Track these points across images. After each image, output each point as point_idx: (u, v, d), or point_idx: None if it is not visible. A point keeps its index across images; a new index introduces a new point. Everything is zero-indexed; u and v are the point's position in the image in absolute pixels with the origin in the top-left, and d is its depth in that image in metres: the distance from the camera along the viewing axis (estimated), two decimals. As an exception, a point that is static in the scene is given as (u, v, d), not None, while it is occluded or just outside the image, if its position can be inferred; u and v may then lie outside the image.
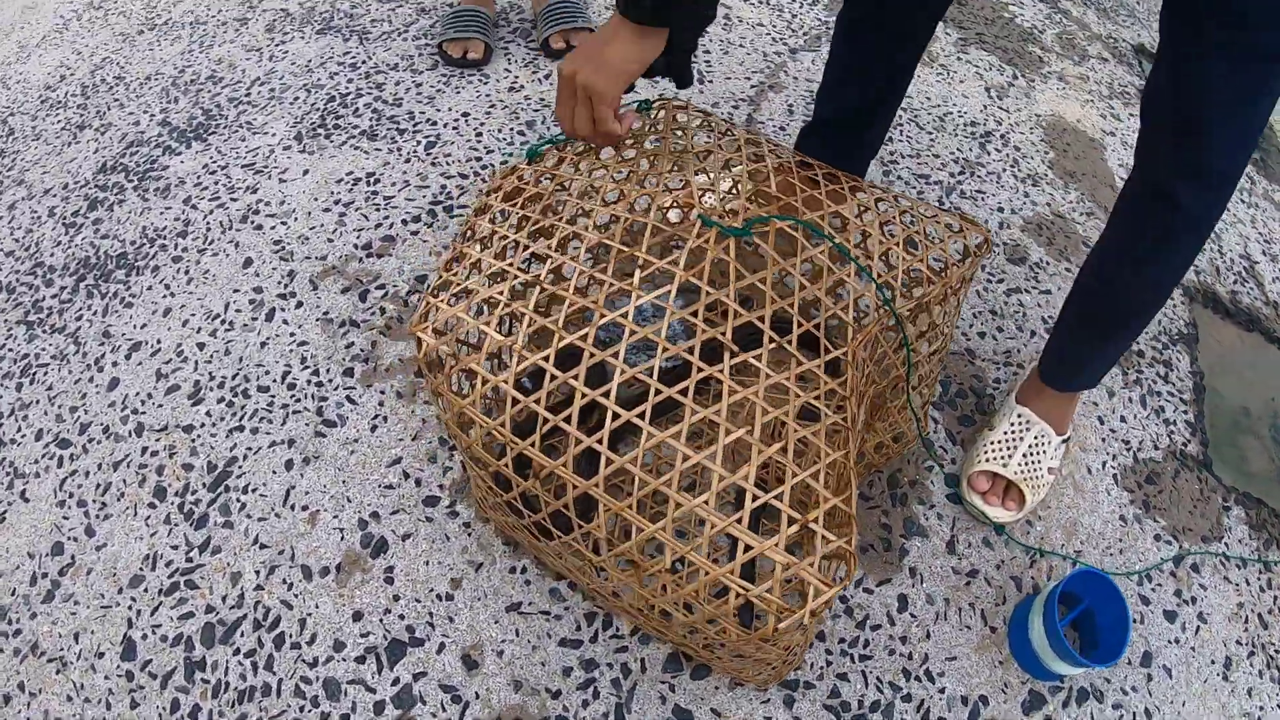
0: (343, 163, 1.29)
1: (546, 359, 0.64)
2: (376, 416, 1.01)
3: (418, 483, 0.96)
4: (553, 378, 0.63)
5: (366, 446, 0.99)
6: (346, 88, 1.42)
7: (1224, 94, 0.70)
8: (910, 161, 1.37)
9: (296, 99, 1.41)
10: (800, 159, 0.86)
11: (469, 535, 0.92)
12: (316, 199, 1.24)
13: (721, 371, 0.64)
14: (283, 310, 1.11)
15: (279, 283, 1.14)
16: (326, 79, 1.44)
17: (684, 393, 0.77)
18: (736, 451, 1.00)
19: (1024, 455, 1.00)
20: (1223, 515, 1.08)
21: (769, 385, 0.66)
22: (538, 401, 0.63)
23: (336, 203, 1.24)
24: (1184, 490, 1.09)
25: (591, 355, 0.64)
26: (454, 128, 1.35)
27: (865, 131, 1.10)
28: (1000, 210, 1.32)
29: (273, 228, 1.21)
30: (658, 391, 0.63)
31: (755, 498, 0.61)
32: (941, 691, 0.89)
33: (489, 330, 0.66)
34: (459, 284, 0.73)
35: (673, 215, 1.10)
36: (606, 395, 0.62)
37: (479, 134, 1.34)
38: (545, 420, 0.63)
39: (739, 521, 0.60)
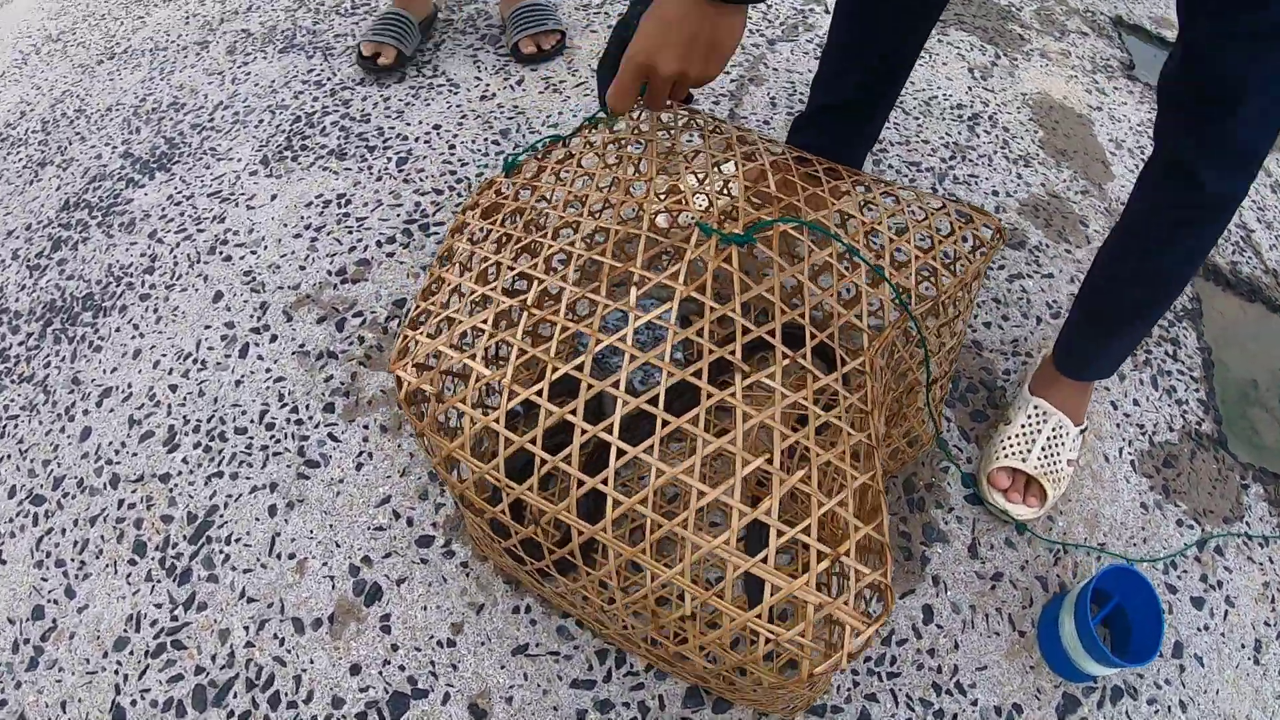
0: (311, 185, 1.21)
1: (540, 393, 0.57)
2: (361, 454, 0.94)
3: (409, 522, 0.89)
4: (549, 414, 0.56)
5: (353, 486, 0.91)
6: (312, 106, 1.34)
7: (1247, 76, 0.66)
8: (900, 149, 1.30)
9: (261, 121, 1.33)
10: (797, 154, 0.79)
11: (467, 576, 0.85)
12: (286, 225, 1.16)
13: (733, 395, 0.57)
14: (256, 345, 1.03)
15: (251, 316, 1.06)
16: (291, 99, 1.36)
17: (694, 420, 0.70)
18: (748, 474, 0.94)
19: (1043, 448, 0.94)
20: (1241, 494, 1.02)
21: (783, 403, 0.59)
22: (533, 441, 0.56)
23: (307, 227, 1.16)
24: (1202, 471, 1.03)
25: (590, 386, 0.57)
26: (425, 141, 1.27)
27: (864, 121, 1.03)
28: (995, 194, 1.26)
29: (242, 258, 1.13)
30: (665, 422, 0.56)
31: (780, 532, 0.54)
32: (974, 704, 0.83)
33: (474, 364, 0.59)
34: (439, 313, 0.65)
35: (660, 220, 1.03)
36: (609, 429, 0.55)
37: (452, 147, 1.26)
38: (542, 462, 0.56)
39: (764, 559, 0.53)
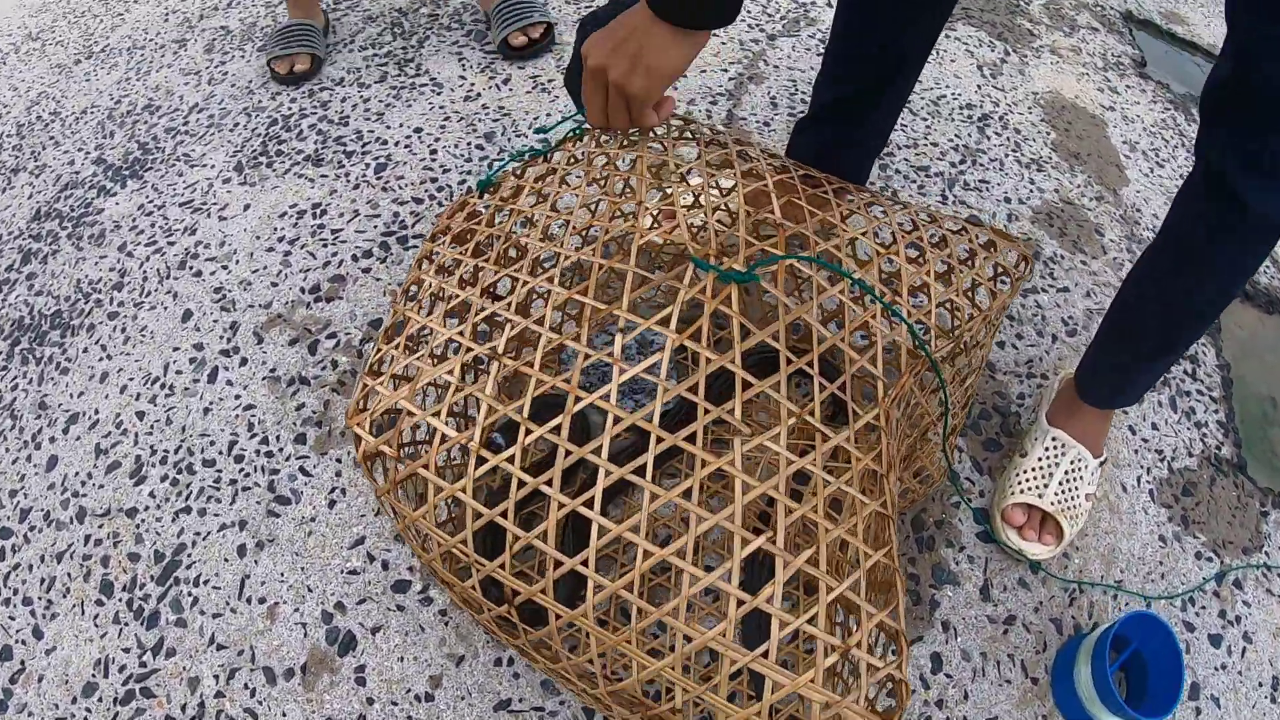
0: (286, 194, 1.13)
1: (511, 460, 0.49)
2: (334, 489, 0.86)
3: (384, 566, 0.82)
4: (520, 483, 0.49)
5: (325, 526, 0.84)
6: (289, 108, 1.25)
7: None
8: (908, 152, 1.22)
9: (236, 125, 1.24)
10: (804, 171, 0.71)
11: (446, 625, 0.78)
12: (259, 237, 1.08)
13: (730, 460, 0.49)
14: (226, 369, 0.96)
15: (221, 337, 0.98)
16: (268, 100, 1.27)
17: (686, 492, 0.61)
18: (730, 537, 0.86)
19: (1060, 483, 0.87)
20: (1261, 522, 0.95)
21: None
22: (504, 513, 0.49)
23: (280, 240, 1.08)
24: (1221, 499, 0.96)
25: (568, 454, 0.49)
26: (406, 146, 1.18)
27: (870, 121, 0.94)
28: (1007, 200, 1.17)
29: (213, 273, 1.05)
30: (654, 490, 0.48)
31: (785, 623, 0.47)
32: (985, 757, 0.76)
33: (439, 424, 0.51)
34: (402, 358, 0.58)
35: (654, 236, 0.94)
36: (589, 503, 0.47)
37: (433, 151, 1.17)
38: (515, 538, 0.48)
39: (766, 654, 0.46)
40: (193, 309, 1.01)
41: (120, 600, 0.81)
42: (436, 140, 1.19)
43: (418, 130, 1.20)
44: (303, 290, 1.02)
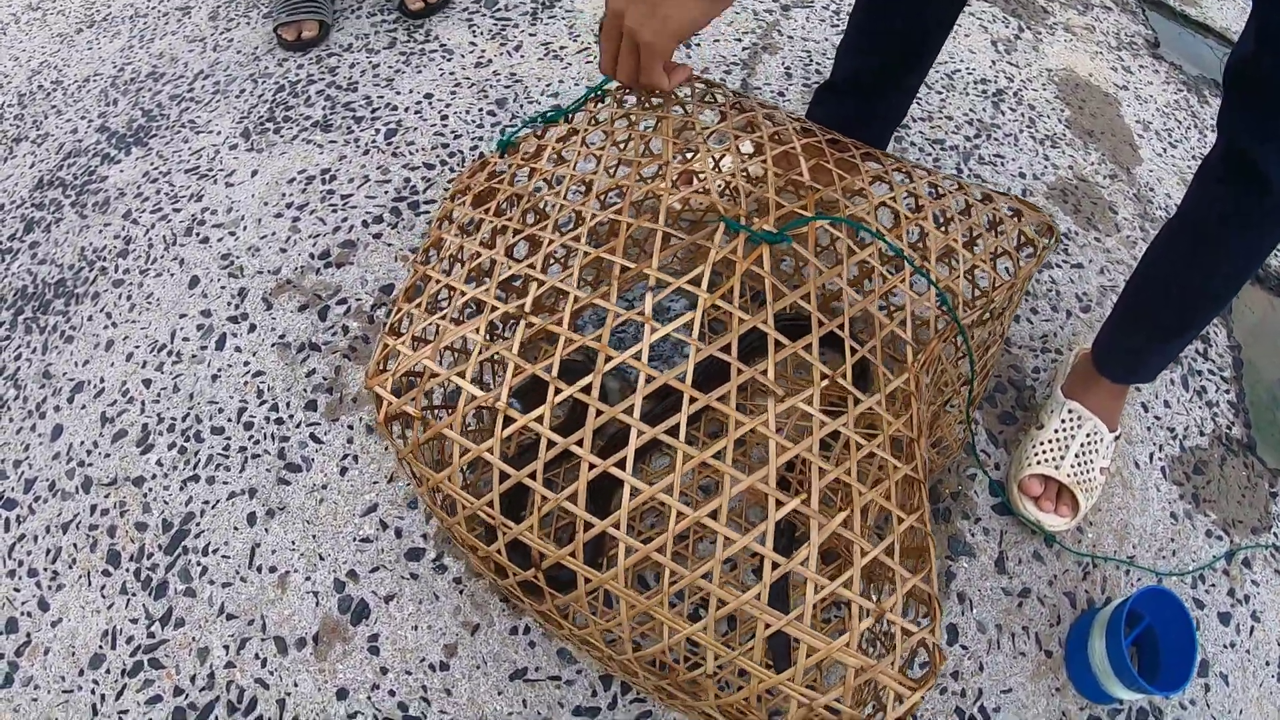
0: (294, 159, 1.10)
1: (540, 420, 0.47)
2: (345, 456, 0.85)
3: (398, 533, 0.80)
4: (550, 444, 0.47)
5: (337, 493, 0.82)
6: (296, 74, 1.22)
7: None
8: (923, 125, 1.19)
9: (243, 91, 1.21)
10: (831, 136, 0.68)
11: (460, 593, 0.77)
12: (267, 203, 1.05)
13: (762, 422, 0.48)
14: (234, 336, 0.93)
15: (229, 303, 0.96)
16: (274, 66, 1.24)
17: (719, 453, 0.59)
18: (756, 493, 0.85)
19: (1076, 455, 0.85)
20: (1270, 502, 0.95)
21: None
22: (533, 475, 0.47)
23: (289, 206, 1.05)
24: (1231, 478, 0.95)
25: (599, 413, 0.47)
26: (416, 112, 1.15)
27: (890, 92, 0.92)
28: (1021, 175, 1.15)
29: (220, 239, 1.02)
30: (686, 454, 0.46)
31: (819, 586, 0.45)
32: (998, 728, 0.76)
33: (465, 384, 0.49)
34: (423, 318, 0.56)
35: (674, 203, 0.92)
36: (620, 463, 0.46)
37: (444, 117, 1.15)
38: (544, 500, 0.47)
39: (801, 616, 0.45)
40: (200, 276, 0.98)
41: (128, 570, 0.79)
42: (448, 106, 1.16)
43: (428, 96, 1.17)
44: (312, 256, 1.00)
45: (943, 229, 0.70)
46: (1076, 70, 1.34)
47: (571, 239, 0.56)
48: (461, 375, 0.50)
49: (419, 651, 0.74)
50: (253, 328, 0.94)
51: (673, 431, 0.48)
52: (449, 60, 1.23)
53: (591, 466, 0.46)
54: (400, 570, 0.78)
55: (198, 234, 1.02)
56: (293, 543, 0.80)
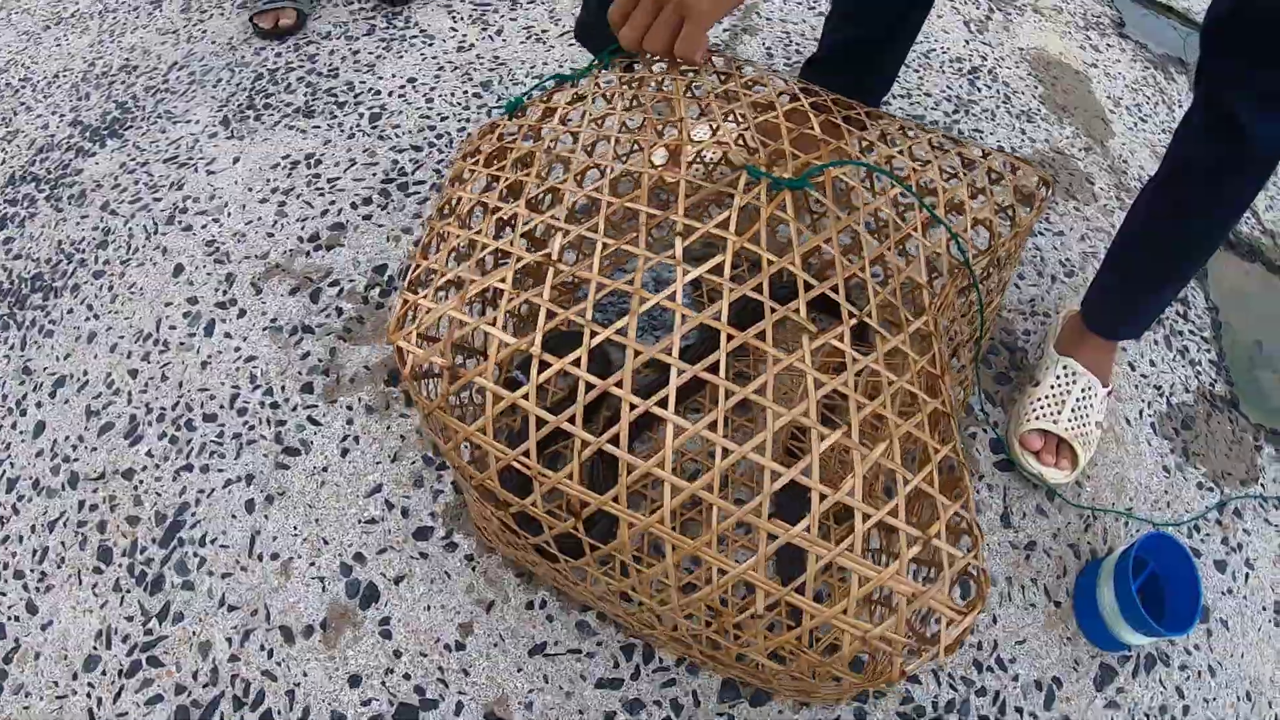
0: (277, 146, 1.07)
1: (577, 362, 0.46)
2: (346, 438, 0.82)
3: (404, 513, 0.78)
4: (589, 387, 0.46)
5: (339, 475, 0.80)
6: (275, 62, 1.19)
7: None
8: (902, 102, 1.21)
9: (220, 81, 1.17)
10: (834, 97, 0.69)
11: (473, 570, 0.75)
12: (251, 189, 1.02)
13: (794, 358, 0.47)
14: (223, 321, 0.90)
15: (216, 289, 0.93)
16: (252, 55, 1.21)
17: (759, 390, 0.59)
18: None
19: (1073, 410, 0.87)
20: (1255, 455, 0.97)
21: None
22: (571, 420, 0.46)
23: (274, 191, 1.02)
24: (1218, 433, 0.98)
25: (638, 353, 0.46)
26: (400, 95, 1.13)
27: (878, 65, 0.93)
28: (1000, 149, 1.17)
29: (204, 226, 0.99)
30: (726, 392, 0.46)
31: (866, 515, 0.45)
32: (1015, 679, 0.76)
33: (496, 332, 0.48)
34: (444, 272, 0.54)
35: (657, 157, 0.91)
36: (661, 402, 0.45)
37: (429, 100, 1.13)
38: (584, 444, 0.46)
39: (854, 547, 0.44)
40: (184, 263, 0.95)
41: (120, 566, 0.76)
42: (432, 90, 1.14)
43: (411, 80, 1.15)
44: (301, 239, 0.97)
45: (949, 181, 0.71)
46: (1047, 49, 1.37)
47: (594, 190, 0.55)
48: (492, 324, 0.49)
49: (433, 632, 0.72)
50: (242, 313, 0.91)
51: (702, 380, 0.47)
52: (430, 45, 1.22)
53: (633, 407, 0.45)
54: (409, 550, 0.76)
55: (180, 222, 0.99)
56: (294, 528, 0.77)
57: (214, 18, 1.29)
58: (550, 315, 0.48)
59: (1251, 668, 0.82)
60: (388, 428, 0.83)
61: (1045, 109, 1.26)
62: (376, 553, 0.76)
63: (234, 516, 0.78)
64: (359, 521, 0.77)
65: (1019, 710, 0.75)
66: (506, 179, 0.59)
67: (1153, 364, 1.01)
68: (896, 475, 0.48)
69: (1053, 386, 0.89)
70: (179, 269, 0.95)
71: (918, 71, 1.26)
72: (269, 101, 1.13)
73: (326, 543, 0.76)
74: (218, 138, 1.09)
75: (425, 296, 0.52)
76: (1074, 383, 0.88)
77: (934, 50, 1.31)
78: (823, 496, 0.45)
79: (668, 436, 0.45)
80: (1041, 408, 0.87)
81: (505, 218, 0.56)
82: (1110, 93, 1.32)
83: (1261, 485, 0.95)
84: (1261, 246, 1.20)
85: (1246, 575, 0.88)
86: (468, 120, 1.10)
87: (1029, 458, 0.85)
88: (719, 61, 0.72)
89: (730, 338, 0.47)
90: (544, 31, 1.24)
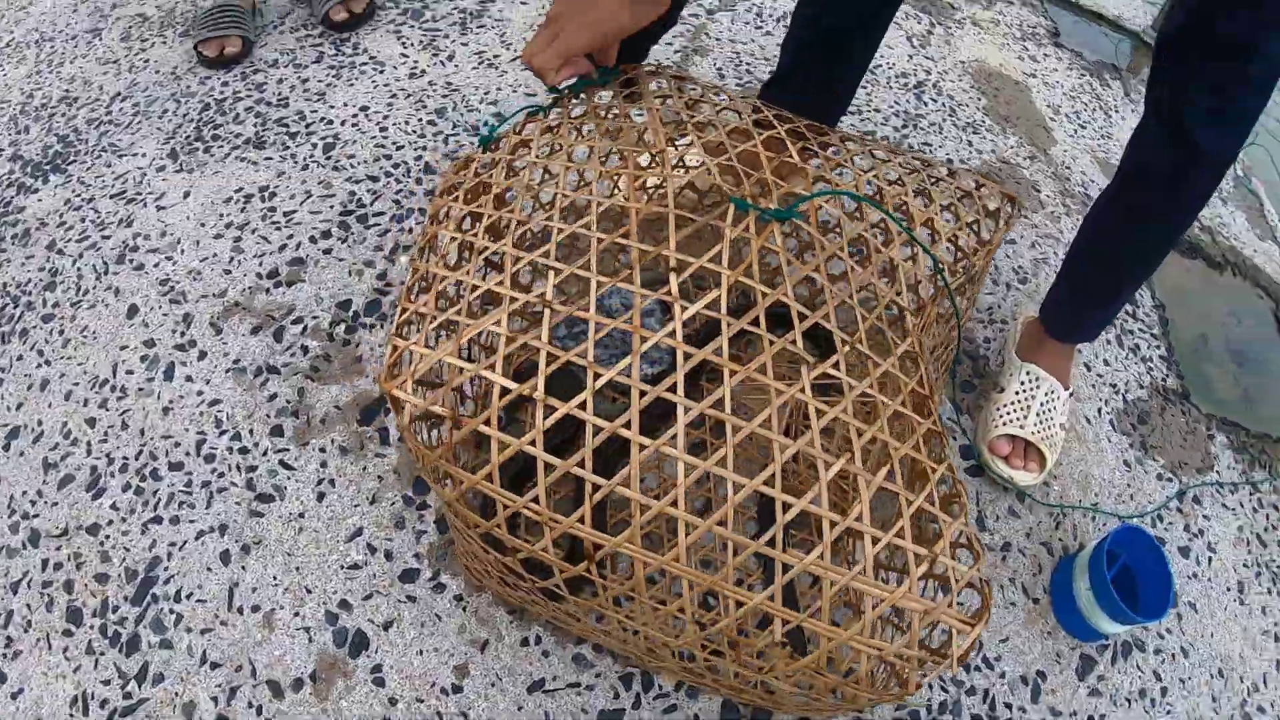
0: (229, 178, 1.04)
1: (583, 406, 0.46)
2: (321, 481, 0.80)
3: (388, 556, 0.76)
4: (596, 430, 0.46)
5: (317, 520, 0.78)
6: (222, 92, 1.16)
7: (1256, 41, 0.63)
8: (853, 118, 1.24)
9: (166, 111, 1.13)
10: (809, 123, 0.70)
11: (464, 610, 0.74)
12: (204, 224, 0.99)
13: (801, 391, 0.48)
14: (183, 365, 0.87)
15: (173, 331, 0.90)
16: (198, 85, 1.17)
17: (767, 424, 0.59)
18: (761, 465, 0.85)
19: (1038, 414, 0.90)
20: (1209, 444, 1.03)
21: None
22: (581, 464, 0.46)
23: (229, 226, 0.99)
24: (1173, 425, 1.03)
25: (643, 394, 0.47)
26: (354, 124, 1.12)
27: (838, 83, 0.95)
28: (950, 161, 1.22)
29: (156, 265, 0.95)
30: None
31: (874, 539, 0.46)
32: (1002, 676, 0.79)
33: (498, 378, 0.48)
34: (433, 316, 0.53)
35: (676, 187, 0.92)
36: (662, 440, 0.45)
37: (384, 129, 1.11)
38: (595, 487, 0.46)
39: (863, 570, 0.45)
40: (138, 304, 0.91)
41: (92, 627, 0.72)
42: (385, 118, 1.12)
43: (364, 109, 1.13)
44: (260, 276, 0.94)
45: (921, 203, 0.74)
46: (987, 61, 1.43)
47: (582, 226, 0.55)
48: (490, 369, 0.48)
49: (428, 676, 0.70)
50: (203, 354, 0.88)
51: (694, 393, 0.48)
52: (381, 72, 1.20)
53: (643, 447, 0.45)
54: (396, 594, 0.74)
55: (131, 260, 0.95)
56: (274, 578, 0.75)
57: (156, 46, 1.24)
58: (551, 359, 0.48)
59: (1221, 646, 0.86)
60: (364, 469, 0.81)
61: (989, 120, 1.31)
62: (362, 598, 0.74)
63: (209, 569, 0.75)
64: (341, 567, 0.75)
65: (1008, 705, 0.77)
66: (490, 216, 0.58)
67: (1107, 363, 1.06)
68: (900, 497, 0.50)
69: (1017, 392, 0.92)
70: (133, 310, 0.91)
71: (866, 88, 1.30)
72: (218, 133, 1.09)
73: (309, 591, 0.74)
74: (166, 171, 1.05)
75: (417, 342, 0.51)
76: (1038, 387, 0.92)
77: (880, 66, 1.35)
78: (833, 523, 0.46)
79: (679, 475, 0.45)
80: (1008, 413, 0.90)
81: (491, 257, 0.56)
82: (1050, 101, 1.39)
83: (1217, 472, 1.00)
84: (1201, 243, 1.27)
85: (1210, 559, 0.92)
86: (424, 149, 1.09)
87: (999, 462, 0.88)
88: (670, 82, 0.74)
89: (706, 358, 0.48)
90: (496, 56, 1.24)
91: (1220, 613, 0.89)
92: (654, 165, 0.63)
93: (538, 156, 0.63)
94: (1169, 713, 0.81)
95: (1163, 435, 1.01)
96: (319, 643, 0.71)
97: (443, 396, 0.48)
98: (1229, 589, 0.91)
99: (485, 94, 1.18)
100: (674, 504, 0.45)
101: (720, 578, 0.45)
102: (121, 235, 0.98)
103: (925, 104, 1.31)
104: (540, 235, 0.83)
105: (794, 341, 0.50)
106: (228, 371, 0.87)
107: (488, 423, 0.47)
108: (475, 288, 0.53)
